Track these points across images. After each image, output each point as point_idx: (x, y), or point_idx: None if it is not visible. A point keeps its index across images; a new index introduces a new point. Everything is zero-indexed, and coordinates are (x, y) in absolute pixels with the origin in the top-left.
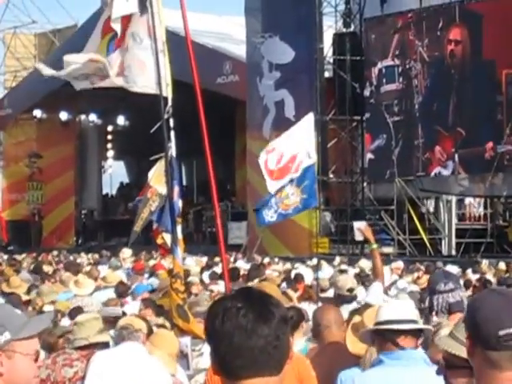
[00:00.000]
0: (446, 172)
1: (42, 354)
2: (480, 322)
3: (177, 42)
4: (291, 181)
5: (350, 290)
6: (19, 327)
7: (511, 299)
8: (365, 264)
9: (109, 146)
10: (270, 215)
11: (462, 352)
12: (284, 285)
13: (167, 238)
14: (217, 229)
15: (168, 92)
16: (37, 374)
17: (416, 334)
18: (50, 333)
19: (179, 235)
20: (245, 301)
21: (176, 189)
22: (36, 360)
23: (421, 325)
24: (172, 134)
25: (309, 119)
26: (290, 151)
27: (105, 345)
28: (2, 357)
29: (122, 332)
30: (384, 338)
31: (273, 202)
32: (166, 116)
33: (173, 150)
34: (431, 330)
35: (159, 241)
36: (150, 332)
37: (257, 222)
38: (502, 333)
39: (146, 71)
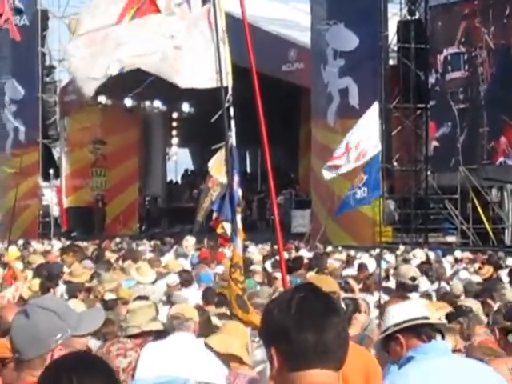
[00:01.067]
0: (510, 161)
1: (96, 343)
2: None
3: (240, 28)
4: (363, 169)
5: (413, 278)
6: (76, 323)
7: None
8: (420, 254)
9: (173, 132)
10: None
11: None
12: (346, 274)
13: (227, 227)
14: (275, 220)
15: (228, 81)
16: None
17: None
18: (110, 321)
19: (239, 225)
20: (311, 292)
21: (236, 178)
22: None
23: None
24: (232, 122)
25: (374, 108)
26: (357, 139)
27: (158, 333)
28: (62, 352)
29: (173, 322)
30: (414, 333)
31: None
32: (226, 105)
33: (233, 139)
34: (445, 325)
35: (219, 230)
36: (207, 321)
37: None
38: None
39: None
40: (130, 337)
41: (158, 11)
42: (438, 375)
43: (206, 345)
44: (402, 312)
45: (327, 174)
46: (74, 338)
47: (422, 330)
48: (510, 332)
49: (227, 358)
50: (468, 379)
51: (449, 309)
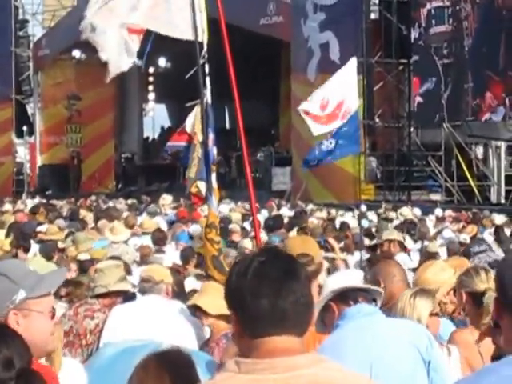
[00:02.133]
0: (496, 118)
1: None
2: (507, 284)
3: None
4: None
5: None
6: (33, 285)
7: None
8: (406, 212)
9: (150, 88)
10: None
11: None
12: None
13: (202, 186)
14: (247, 181)
15: (204, 37)
16: (53, 331)
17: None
18: (78, 282)
19: (214, 184)
20: (272, 257)
21: (211, 136)
22: (53, 317)
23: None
24: (207, 80)
25: (352, 64)
26: (336, 97)
27: (127, 294)
28: (17, 316)
29: (144, 285)
30: (343, 300)
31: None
32: (201, 62)
33: (208, 97)
34: (382, 293)
35: (193, 189)
36: (179, 284)
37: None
38: None
39: (182, 16)
40: (98, 297)
41: None
42: (351, 337)
43: (194, 306)
44: (336, 282)
45: (316, 130)
46: (32, 301)
47: (348, 295)
48: (482, 296)
49: (217, 319)
50: (381, 338)
51: (468, 265)
